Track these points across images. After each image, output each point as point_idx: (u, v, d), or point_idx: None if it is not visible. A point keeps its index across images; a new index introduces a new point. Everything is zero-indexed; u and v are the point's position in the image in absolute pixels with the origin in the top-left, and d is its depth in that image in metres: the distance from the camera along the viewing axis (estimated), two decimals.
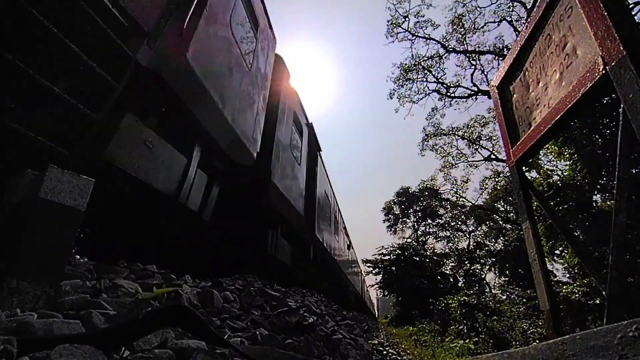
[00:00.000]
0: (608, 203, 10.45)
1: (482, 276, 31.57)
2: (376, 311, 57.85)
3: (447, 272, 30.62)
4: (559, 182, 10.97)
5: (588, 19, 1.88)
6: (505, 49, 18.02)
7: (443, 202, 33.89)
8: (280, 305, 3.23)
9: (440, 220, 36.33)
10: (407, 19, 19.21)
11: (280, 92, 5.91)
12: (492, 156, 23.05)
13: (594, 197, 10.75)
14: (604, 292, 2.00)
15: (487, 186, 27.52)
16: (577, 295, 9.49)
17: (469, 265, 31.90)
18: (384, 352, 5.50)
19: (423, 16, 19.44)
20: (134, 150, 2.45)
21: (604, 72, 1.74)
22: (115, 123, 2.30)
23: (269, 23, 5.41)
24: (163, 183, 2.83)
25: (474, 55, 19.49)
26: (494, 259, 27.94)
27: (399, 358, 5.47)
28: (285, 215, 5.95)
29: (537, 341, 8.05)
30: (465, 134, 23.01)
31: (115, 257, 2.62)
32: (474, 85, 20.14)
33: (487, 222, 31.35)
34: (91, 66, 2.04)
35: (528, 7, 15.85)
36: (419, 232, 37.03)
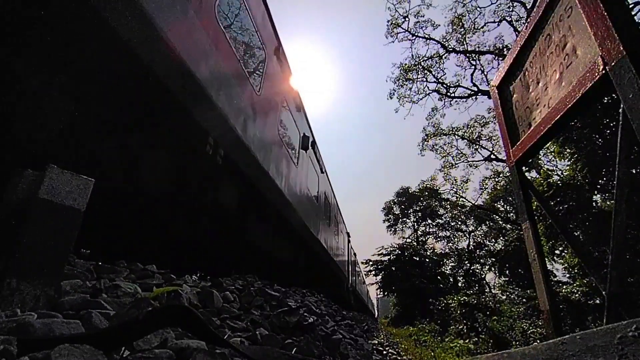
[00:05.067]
0: (608, 203, 10.46)
1: (482, 276, 31.60)
2: (376, 311, 57.87)
3: (447, 272, 30.64)
4: (559, 182, 10.98)
5: (588, 19, 1.88)
6: (505, 49, 18.02)
7: (443, 202, 33.90)
8: (280, 305, 3.23)
9: (440, 220, 36.35)
10: (407, 19, 19.23)
11: None
12: (492, 156, 23.05)
13: (594, 197, 10.76)
14: (604, 292, 2.00)
15: (487, 186, 27.53)
16: (577, 295, 9.50)
17: (469, 265, 31.92)
18: (384, 352, 5.50)
19: (423, 16, 19.48)
20: None
21: (603, 72, 1.74)
22: None
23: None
24: None
25: (474, 55, 19.50)
26: (494, 259, 27.96)
27: (399, 358, 5.47)
28: None
29: (537, 341, 8.05)
30: (465, 134, 23.01)
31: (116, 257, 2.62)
32: (474, 85, 20.15)
33: (487, 222, 31.37)
34: None
35: (528, 7, 15.86)
36: (419, 232, 37.04)
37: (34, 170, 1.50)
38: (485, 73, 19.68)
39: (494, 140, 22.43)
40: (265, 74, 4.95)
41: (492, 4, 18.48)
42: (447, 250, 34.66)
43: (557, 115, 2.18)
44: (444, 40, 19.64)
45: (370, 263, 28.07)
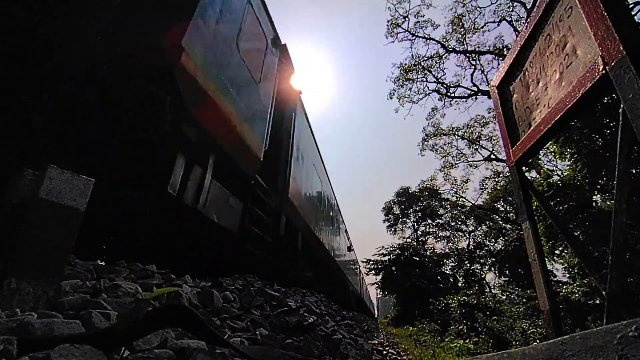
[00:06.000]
0: (608, 203, 10.46)
1: (482, 276, 31.62)
2: (376, 311, 57.88)
3: (447, 272, 30.62)
4: (559, 182, 10.98)
5: (588, 19, 1.88)
6: (505, 49, 18.04)
7: (443, 202, 33.94)
8: (280, 305, 3.23)
9: (440, 220, 36.38)
10: (407, 19, 19.24)
11: None
12: (492, 156, 23.07)
13: (594, 197, 10.76)
14: (604, 292, 1.99)
15: (487, 186, 27.55)
16: (577, 295, 9.51)
17: (469, 265, 31.94)
18: (384, 352, 5.50)
19: (423, 16, 19.52)
20: None
21: (603, 72, 1.74)
22: None
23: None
24: None
25: (474, 55, 19.51)
26: (494, 259, 27.97)
27: (399, 358, 5.47)
28: None
29: (537, 341, 8.05)
30: (465, 134, 23.03)
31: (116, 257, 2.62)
32: (474, 85, 20.18)
33: (487, 222, 31.38)
34: None
35: (528, 7, 15.86)
36: (419, 232, 37.06)
37: (34, 170, 1.50)
38: (485, 73, 19.73)
39: (494, 140, 22.47)
40: None
41: (492, 4, 18.50)
42: (447, 250, 34.66)
43: (557, 115, 2.18)
44: (444, 40, 19.66)
45: (371, 263, 28.06)
